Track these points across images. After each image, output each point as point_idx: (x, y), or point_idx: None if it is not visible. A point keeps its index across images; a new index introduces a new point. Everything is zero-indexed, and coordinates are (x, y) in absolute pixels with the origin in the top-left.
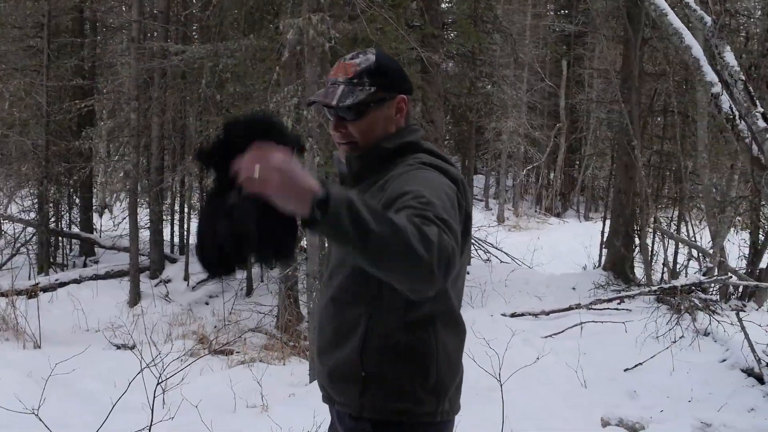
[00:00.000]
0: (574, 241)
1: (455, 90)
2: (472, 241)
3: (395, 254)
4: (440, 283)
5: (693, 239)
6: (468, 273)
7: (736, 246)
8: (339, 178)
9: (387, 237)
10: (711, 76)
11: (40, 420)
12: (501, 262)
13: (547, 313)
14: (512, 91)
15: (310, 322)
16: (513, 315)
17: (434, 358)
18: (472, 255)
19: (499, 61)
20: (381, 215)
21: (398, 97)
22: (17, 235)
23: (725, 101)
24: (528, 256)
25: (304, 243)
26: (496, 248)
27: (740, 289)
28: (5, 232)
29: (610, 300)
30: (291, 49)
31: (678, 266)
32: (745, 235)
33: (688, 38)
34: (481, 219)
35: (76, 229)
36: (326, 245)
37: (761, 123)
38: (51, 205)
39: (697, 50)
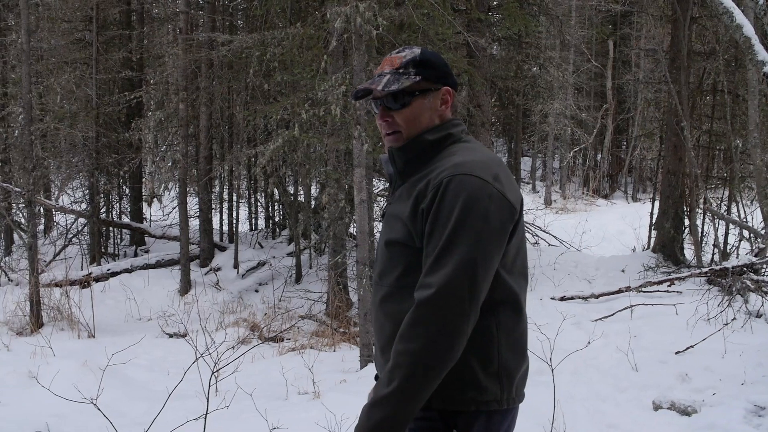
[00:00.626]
0: (623, 223)
1: (502, 73)
2: None
3: (428, 357)
4: (472, 313)
5: (744, 220)
6: None
7: None
8: (388, 181)
9: (415, 372)
10: (762, 54)
11: (98, 409)
12: (549, 245)
13: (597, 297)
14: (558, 73)
15: (360, 309)
16: (562, 298)
17: (495, 345)
18: None
19: (545, 43)
20: (391, 372)
21: (443, 88)
22: (69, 225)
23: None
24: (576, 239)
25: (353, 229)
26: (544, 231)
27: None
28: (57, 223)
29: (660, 282)
30: (338, 37)
31: (729, 247)
32: None
33: (739, 17)
34: (528, 202)
35: (126, 219)
36: (375, 237)
37: None
38: (102, 195)
39: (749, 29)
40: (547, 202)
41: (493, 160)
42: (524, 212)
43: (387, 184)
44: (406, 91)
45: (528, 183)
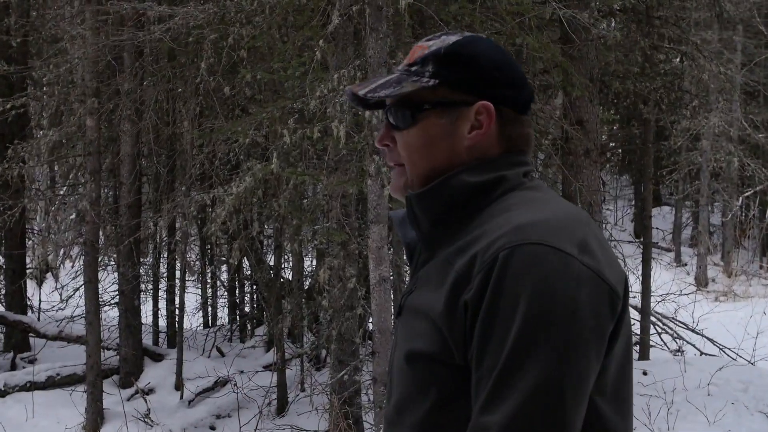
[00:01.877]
0: None
1: (619, 69)
2: (652, 321)
3: None
4: None
5: None
6: (645, 374)
7: None
8: (407, 252)
9: None
10: None
11: None
12: (701, 353)
13: None
14: (716, 67)
15: None
16: None
17: None
18: (651, 343)
19: (693, 17)
20: None
21: (478, 103)
22: None
23: None
24: (748, 344)
25: (370, 326)
26: (693, 331)
27: None
28: None
29: None
30: (344, 9)
31: None
32: None
33: None
34: (667, 281)
35: None
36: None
37: None
38: None
39: None
40: (701, 281)
41: (576, 218)
42: (658, 300)
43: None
44: (407, 101)
45: (669, 250)
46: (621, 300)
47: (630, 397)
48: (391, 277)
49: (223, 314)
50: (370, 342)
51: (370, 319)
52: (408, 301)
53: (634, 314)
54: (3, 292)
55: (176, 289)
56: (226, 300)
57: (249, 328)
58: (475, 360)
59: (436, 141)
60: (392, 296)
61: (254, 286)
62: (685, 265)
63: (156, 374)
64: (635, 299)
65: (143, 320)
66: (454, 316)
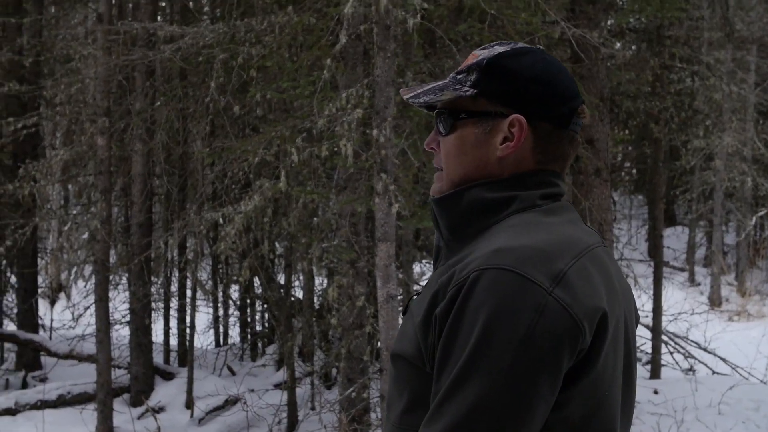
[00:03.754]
0: None
1: (629, 88)
2: (664, 340)
3: None
4: None
5: None
6: (656, 393)
7: None
8: (434, 253)
9: None
10: None
11: None
12: (713, 373)
13: None
14: (729, 87)
15: None
16: None
17: None
18: (663, 362)
19: (706, 38)
20: None
21: (512, 116)
22: None
23: None
24: (760, 363)
25: (379, 343)
26: (705, 350)
27: None
28: None
29: None
30: (352, 29)
31: None
32: None
33: None
34: (679, 300)
35: (10, 327)
36: None
37: None
38: None
39: None
40: (714, 301)
41: (567, 248)
42: (671, 318)
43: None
44: (451, 108)
45: (683, 270)
46: (585, 337)
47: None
48: (400, 296)
49: (234, 333)
50: (377, 360)
51: (379, 337)
52: (412, 303)
53: (645, 333)
54: (15, 311)
55: (187, 308)
56: (237, 318)
57: (260, 346)
58: (435, 374)
59: (470, 149)
60: (400, 314)
61: (265, 305)
62: (699, 284)
63: (167, 393)
64: (647, 318)
65: (154, 339)
66: (428, 326)
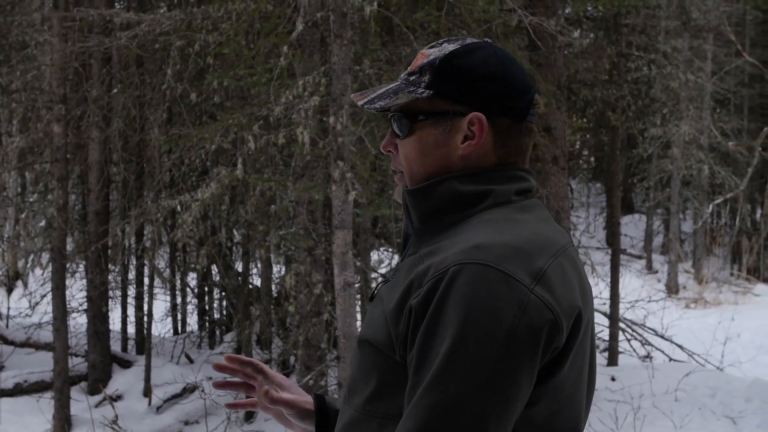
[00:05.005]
0: None
1: (587, 76)
2: (621, 327)
3: None
4: None
5: None
6: (613, 380)
7: None
8: (402, 240)
9: None
10: None
11: None
12: (670, 360)
13: None
14: (686, 75)
15: None
16: None
17: None
18: (620, 349)
19: (663, 26)
20: None
21: (471, 114)
22: None
23: None
24: (716, 350)
25: (338, 330)
26: (662, 337)
27: None
28: None
29: None
30: (309, 17)
31: None
32: None
33: None
34: (637, 287)
35: None
36: None
37: None
38: None
39: None
40: (671, 288)
41: (545, 245)
42: (628, 306)
43: (395, 258)
44: (406, 110)
45: (640, 257)
46: (562, 335)
47: (578, 426)
48: (357, 284)
49: (191, 321)
50: (334, 348)
51: (336, 324)
52: (380, 290)
53: (602, 320)
54: None
55: (145, 296)
56: (195, 306)
57: (218, 334)
58: (413, 368)
59: (430, 150)
60: (358, 302)
61: (223, 293)
62: (656, 272)
63: (124, 381)
64: (604, 306)
65: (111, 327)
66: (401, 316)
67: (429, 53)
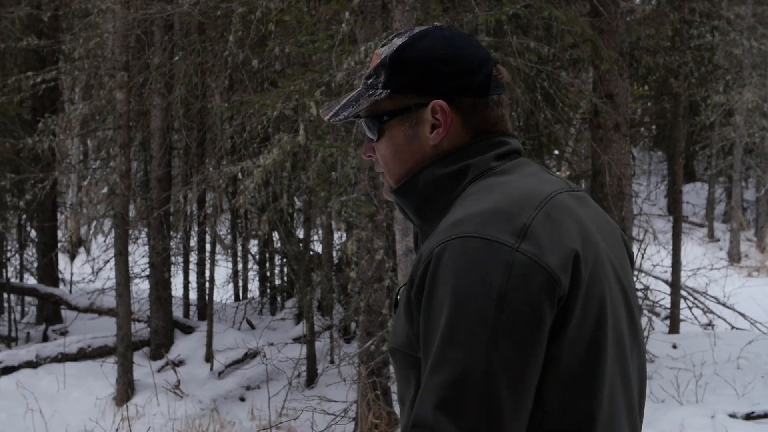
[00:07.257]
0: None
1: (649, 43)
2: (683, 295)
3: None
4: None
5: None
6: (674, 347)
7: None
8: (413, 243)
9: None
10: None
11: None
12: (732, 328)
13: None
14: (749, 42)
15: None
16: (749, 416)
17: None
18: (681, 317)
19: None
20: None
21: (431, 103)
22: None
23: None
24: None
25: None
26: (724, 305)
27: None
28: None
29: None
30: None
31: None
32: None
33: None
34: (699, 255)
35: (31, 281)
36: None
37: None
38: None
39: None
40: (733, 256)
41: (526, 202)
42: (690, 274)
43: None
44: (372, 114)
45: (702, 225)
46: (561, 284)
47: (601, 405)
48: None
49: (253, 287)
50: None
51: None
52: (400, 295)
53: (664, 288)
54: (35, 265)
55: (206, 262)
56: (256, 273)
57: (279, 300)
58: (423, 354)
59: (403, 147)
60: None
61: (284, 259)
62: (718, 240)
63: (186, 346)
64: (666, 273)
65: (174, 293)
66: (411, 312)
67: (381, 52)
